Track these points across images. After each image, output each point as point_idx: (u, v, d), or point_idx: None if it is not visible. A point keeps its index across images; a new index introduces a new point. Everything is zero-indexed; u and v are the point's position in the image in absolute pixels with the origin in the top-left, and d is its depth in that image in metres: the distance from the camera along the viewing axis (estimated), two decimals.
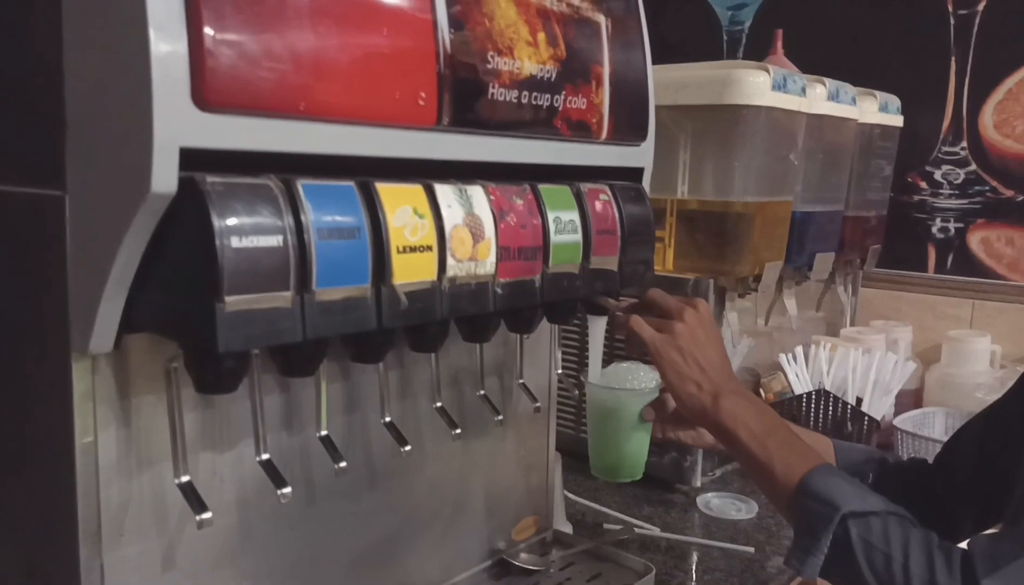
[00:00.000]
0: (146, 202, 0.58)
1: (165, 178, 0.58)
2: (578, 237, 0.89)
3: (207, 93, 0.58)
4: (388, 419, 0.89)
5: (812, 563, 0.77)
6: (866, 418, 1.66)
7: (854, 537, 0.75)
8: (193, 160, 0.59)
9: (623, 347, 1.39)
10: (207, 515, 0.69)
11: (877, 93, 1.84)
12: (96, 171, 0.62)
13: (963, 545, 0.74)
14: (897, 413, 1.83)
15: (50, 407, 0.69)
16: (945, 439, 1.74)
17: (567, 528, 1.28)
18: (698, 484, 1.58)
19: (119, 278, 0.62)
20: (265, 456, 0.75)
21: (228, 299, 0.59)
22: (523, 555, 1.10)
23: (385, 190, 0.70)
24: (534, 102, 0.82)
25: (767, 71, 1.44)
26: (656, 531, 1.37)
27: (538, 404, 1.06)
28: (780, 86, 1.46)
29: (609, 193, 0.93)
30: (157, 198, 0.58)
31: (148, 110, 0.57)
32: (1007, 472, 0.83)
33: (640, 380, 1.02)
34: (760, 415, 0.87)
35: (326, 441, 0.81)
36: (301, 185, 0.64)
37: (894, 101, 1.92)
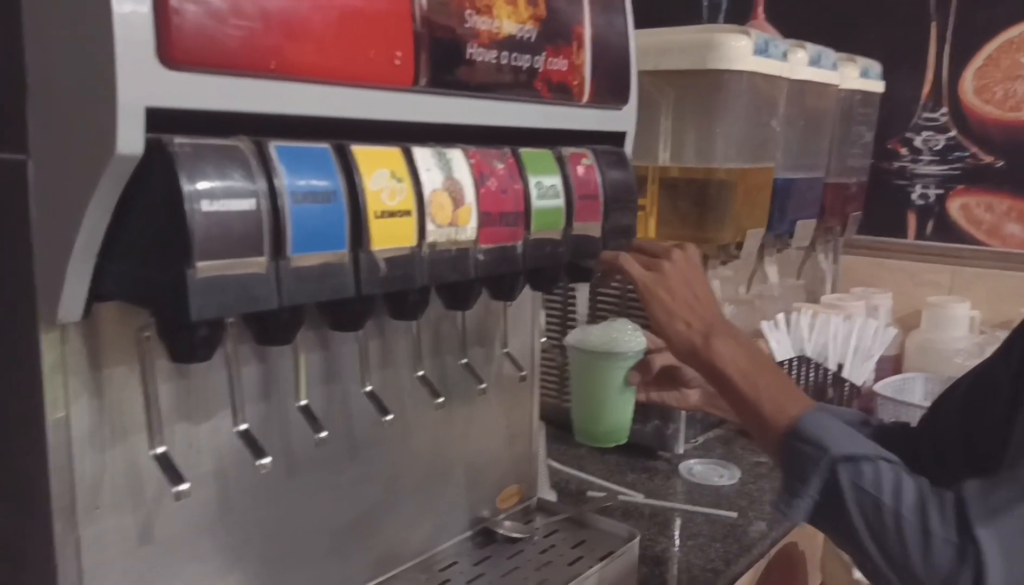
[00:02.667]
0: (111, 165, 0.56)
1: (131, 139, 0.56)
2: (560, 202, 0.87)
3: (173, 51, 0.56)
4: (369, 388, 0.87)
5: (799, 506, 0.74)
6: (847, 384, 1.67)
7: (844, 481, 0.72)
8: (160, 121, 0.57)
9: (606, 307, 1.38)
10: (184, 486, 0.68)
11: (858, 58, 1.83)
12: (60, 134, 0.60)
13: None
14: (877, 379, 1.84)
15: (19, 379, 0.67)
16: (926, 404, 1.76)
17: (551, 496, 1.28)
18: (681, 451, 1.58)
19: (86, 244, 0.60)
20: (243, 427, 0.74)
21: (199, 265, 0.57)
22: (507, 523, 1.09)
23: (361, 153, 0.68)
24: (514, 63, 0.80)
25: (748, 35, 1.42)
26: (640, 498, 1.37)
27: (524, 372, 1.05)
28: (762, 51, 1.44)
29: (591, 157, 0.92)
30: (123, 160, 0.56)
31: (111, 69, 0.55)
32: (994, 431, 0.81)
33: (624, 343, 1.00)
34: (751, 356, 0.84)
35: (305, 411, 0.80)
36: (274, 147, 0.62)
37: (875, 67, 1.91)
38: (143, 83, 0.56)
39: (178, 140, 0.57)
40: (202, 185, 0.57)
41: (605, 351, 0.99)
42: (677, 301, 0.87)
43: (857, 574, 1.34)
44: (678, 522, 1.32)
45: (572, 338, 1.02)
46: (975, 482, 0.70)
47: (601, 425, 1.02)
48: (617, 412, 1.02)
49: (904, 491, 0.70)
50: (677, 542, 1.27)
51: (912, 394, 1.88)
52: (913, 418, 1.73)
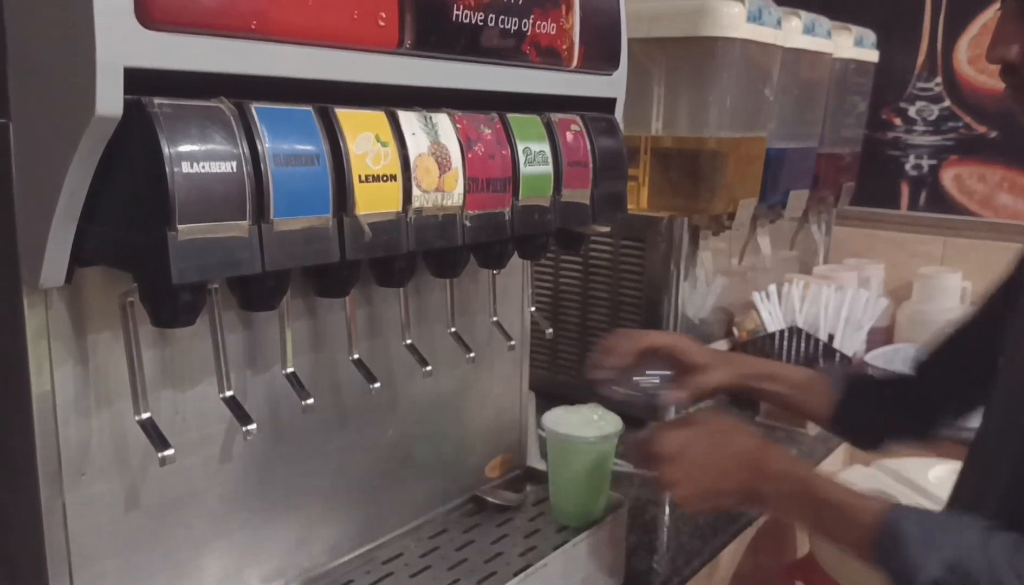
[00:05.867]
0: (91, 126, 0.55)
1: (110, 100, 0.55)
2: (549, 169, 0.87)
3: (152, 10, 0.55)
4: (356, 356, 0.87)
5: None
6: (838, 354, 1.67)
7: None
8: (139, 83, 0.56)
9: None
10: (169, 451, 0.68)
11: (852, 27, 1.82)
12: (40, 97, 0.59)
13: None
14: (869, 349, 1.84)
15: (3, 345, 0.66)
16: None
17: (540, 465, 1.29)
18: (671, 420, 1.59)
19: (67, 208, 0.59)
20: (229, 393, 0.74)
21: (180, 227, 0.56)
22: (496, 491, 1.10)
23: (345, 116, 0.67)
24: (501, 25, 0.79)
25: (742, 2, 1.41)
26: (629, 467, 1.37)
27: (513, 342, 1.04)
28: (755, 18, 1.43)
29: (581, 124, 0.91)
30: (102, 121, 0.55)
31: (90, 28, 0.54)
32: (982, 372, 0.86)
33: (596, 426, 1.01)
34: (801, 503, 0.81)
35: (292, 378, 0.80)
36: (255, 109, 0.62)
37: (869, 36, 1.90)
38: (122, 43, 0.55)
39: (158, 101, 0.57)
40: (183, 147, 0.57)
41: (578, 435, 0.99)
42: (706, 482, 0.85)
43: None
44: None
45: (548, 420, 1.02)
46: None
47: (572, 504, 1.02)
48: (589, 492, 1.03)
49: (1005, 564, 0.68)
50: (667, 510, 1.28)
51: (903, 365, 1.89)
52: None
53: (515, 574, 0.91)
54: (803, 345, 1.72)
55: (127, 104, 0.56)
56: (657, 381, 1.00)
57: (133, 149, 0.57)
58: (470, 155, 0.78)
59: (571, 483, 1.02)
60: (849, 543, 0.77)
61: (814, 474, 0.82)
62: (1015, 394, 0.81)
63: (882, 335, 1.95)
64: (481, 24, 0.77)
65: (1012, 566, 0.67)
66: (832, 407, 1.05)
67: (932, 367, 1.03)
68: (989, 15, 1.94)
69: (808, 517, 0.81)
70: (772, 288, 1.73)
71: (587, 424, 1.01)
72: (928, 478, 1.51)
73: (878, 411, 1.05)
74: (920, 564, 0.70)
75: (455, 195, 0.77)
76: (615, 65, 0.96)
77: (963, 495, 0.87)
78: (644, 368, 1.01)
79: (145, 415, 0.70)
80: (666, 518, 1.26)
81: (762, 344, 1.75)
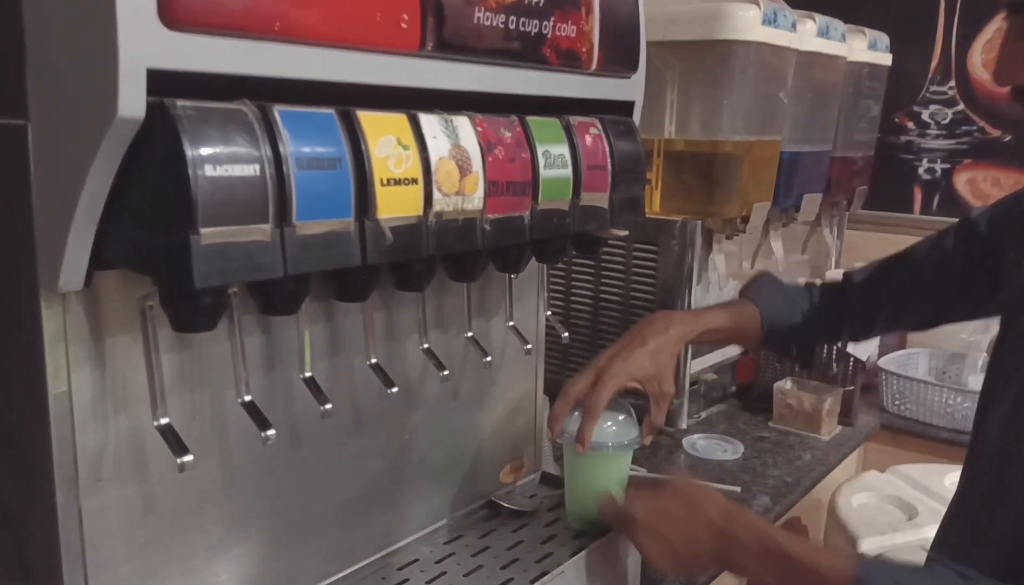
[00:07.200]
0: (113, 128, 0.55)
1: (132, 102, 0.54)
2: (568, 172, 0.86)
3: (175, 11, 0.55)
4: (374, 361, 0.86)
5: None
6: (851, 359, 1.66)
7: None
8: (162, 84, 0.56)
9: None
10: (188, 458, 0.67)
11: (866, 30, 1.81)
12: (60, 98, 0.58)
13: None
14: (882, 354, 1.84)
15: (20, 348, 0.66)
16: (930, 379, 1.76)
17: (555, 470, 1.28)
18: (684, 426, 1.58)
19: (87, 211, 0.58)
20: (247, 398, 0.73)
21: (203, 231, 0.56)
22: (512, 496, 1.09)
23: (367, 118, 0.67)
24: (522, 28, 0.78)
25: (757, 5, 1.40)
26: (643, 472, 1.37)
27: (529, 346, 1.04)
28: (770, 21, 1.42)
29: (599, 127, 0.90)
30: (124, 123, 0.55)
31: (112, 29, 0.53)
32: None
33: (611, 434, 0.99)
34: (774, 566, 0.80)
35: (310, 383, 0.79)
36: (278, 112, 0.61)
37: (883, 39, 1.89)
38: (145, 44, 0.54)
39: (181, 103, 0.56)
40: (206, 149, 0.56)
41: (596, 441, 0.97)
42: (679, 548, 0.85)
43: (861, 548, 1.34)
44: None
45: (568, 427, 0.99)
46: None
47: (588, 510, 1.00)
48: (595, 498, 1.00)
49: None
50: None
51: (916, 369, 1.88)
52: (916, 392, 1.73)
53: (532, 581, 0.90)
54: (816, 350, 1.71)
55: (149, 106, 0.55)
56: (617, 432, 0.99)
57: (155, 151, 0.56)
58: (490, 158, 0.77)
59: (588, 489, 1.01)
60: None
61: (785, 535, 0.82)
62: None
63: (895, 339, 1.94)
64: (502, 26, 0.76)
65: None
66: (760, 331, 1.10)
67: (870, 290, 1.10)
68: (1001, 20, 1.93)
69: (782, 579, 0.80)
70: None
71: (604, 431, 1.00)
72: (944, 484, 1.50)
73: (800, 326, 1.12)
74: None
75: (475, 199, 0.76)
76: (634, 68, 0.95)
77: (971, 500, 0.85)
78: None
79: (164, 421, 0.69)
80: None
81: None
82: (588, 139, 0.89)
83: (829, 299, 1.13)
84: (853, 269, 1.15)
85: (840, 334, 1.17)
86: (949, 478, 1.52)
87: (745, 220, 1.54)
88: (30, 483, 0.68)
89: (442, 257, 0.80)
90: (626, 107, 0.97)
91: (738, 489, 1.36)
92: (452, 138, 0.74)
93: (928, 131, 2.06)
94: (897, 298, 1.09)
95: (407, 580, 0.92)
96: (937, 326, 1.12)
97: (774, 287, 1.15)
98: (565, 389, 0.98)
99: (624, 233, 0.97)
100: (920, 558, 1.26)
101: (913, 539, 1.34)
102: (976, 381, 1.79)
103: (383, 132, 0.68)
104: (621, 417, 1.01)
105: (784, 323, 1.10)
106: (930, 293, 1.05)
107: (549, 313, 1.13)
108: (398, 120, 0.70)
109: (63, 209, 0.59)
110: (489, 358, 0.97)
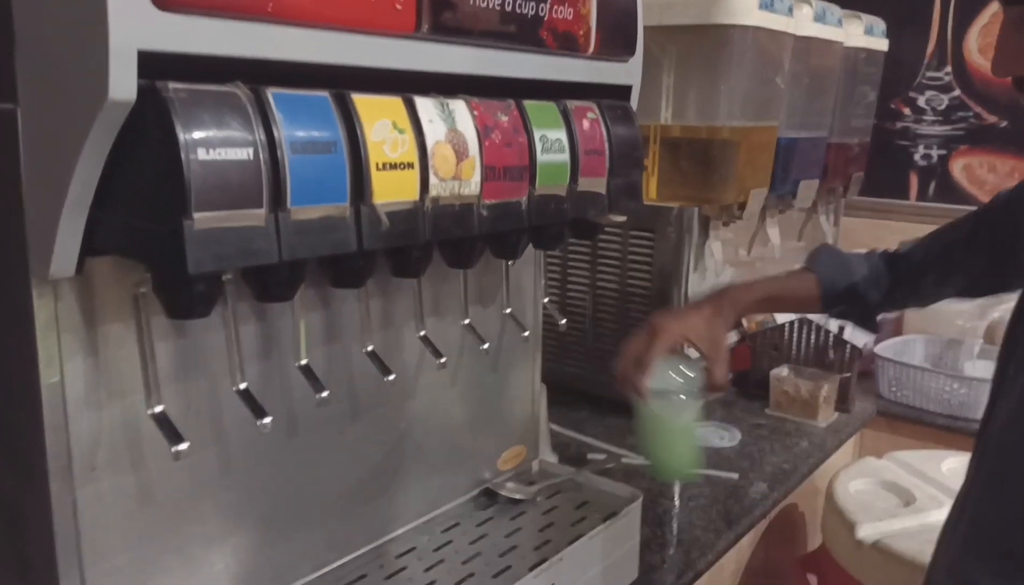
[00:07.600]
0: (103, 111, 0.54)
1: (123, 84, 0.53)
2: (565, 157, 0.85)
3: None
4: (370, 348, 0.86)
5: None
6: (848, 346, 1.66)
7: None
8: (153, 67, 0.55)
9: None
10: (183, 446, 0.66)
11: (863, 15, 1.80)
12: (49, 81, 0.57)
13: None
14: (878, 341, 1.83)
15: (12, 336, 0.65)
16: (927, 366, 1.76)
17: (552, 458, 1.27)
18: None
19: (78, 196, 0.57)
20: (243, 386, 0.72)
21: (196, 216, 0.55)
22: (509, 484, 1.09)
23: (362, 102, 0.66)
24: (518, 11, 0.77)
25: None
26: (641, 460, 1.36)
27: (527, 332, 1.03)
28: (767, 5, 1.41)
29: (597, 111, 0.89)
30: (115, 106, 0.54)
31: (103, 10, 0.52)
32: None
33: (680, 380, 0.97)
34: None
35: (306, 370, 0.78)
36: (272, 95, 0.60)
37: (879, 24, 1.88)
38: (135, 25, 0.53)
39: (173, 85, 0.55)
40: (199, 133, 0.55)
41: (659, 389, 0.95)
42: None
43: (859, 534, 1.34)
44: (679, 483, 1.31)
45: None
46: None
47: (675, 462, 1.00)
48: (686, 449, 1.00)
49: None
50: (678, 503, 1.27)
51: (912, 356, 1.88)
52: (913, 379, 1.73)
53: (530, 569, 0.90)
54: (812, 337, 1.71)
55: (141, 88, 0.54)
56: (683, 381, 0.98)
57: (147, 135, 0.56)
58: (487, 143, 0.76)
59: (681, 440, 0.99)
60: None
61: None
62: None
63: (892, 326, 1.94)
64: (499, 8, 0.75)
65: None
66: (819, 296, 1.13)
67: (904, 256, 1.12)
68: (998, 5, 1.92)
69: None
70: None
71: (679, 380, 0.97)
72: (941, 470, 1.50)
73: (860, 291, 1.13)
74: None
75: (472, 183, 0.75)
76: (631, 51, 0.94)
77: (977, 484, 0.85)
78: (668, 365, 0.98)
79: (158, 409, 0.68)
80: (678, 511, 1.25)
81: (772, 335, 1.74)
82: (585, 124, 0.88)
83: (886, 265, 1.14)
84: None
85: (895, 300, 1.17)
86: (946, 464, 1.52)
87: (742, 207, 1.54)
88: (24, 473, 0.67)
89: (439, 243, 0.79)
90: (623, 92, 0.96)
91: (736, 476, 1.35)
92: (448, 122, 0.73)
93: (924, 117, 2.06)
94: (938, 266, 1.10)
95: (405, 568, 0.91)
96: (981, 296, 1.15)
97: (833, 254, 1.18)
98: (623, 349, 0.99)
99: (622, 219, 0.96)
100: (918, 543, 1.26)
101: (911, 525, 1.34)
102: (972, 367, 1.79)
103: (378, 116, 0.67)
104: (688, 361, 0.99)
105: (842, 287, 1.12)
106: (962, 264, 1.07)
107: (547, 300, 1.12)
108: (393, 103, 0.69)
109: (54, 195, 0.58)
110: (486, 345, 0.97)
